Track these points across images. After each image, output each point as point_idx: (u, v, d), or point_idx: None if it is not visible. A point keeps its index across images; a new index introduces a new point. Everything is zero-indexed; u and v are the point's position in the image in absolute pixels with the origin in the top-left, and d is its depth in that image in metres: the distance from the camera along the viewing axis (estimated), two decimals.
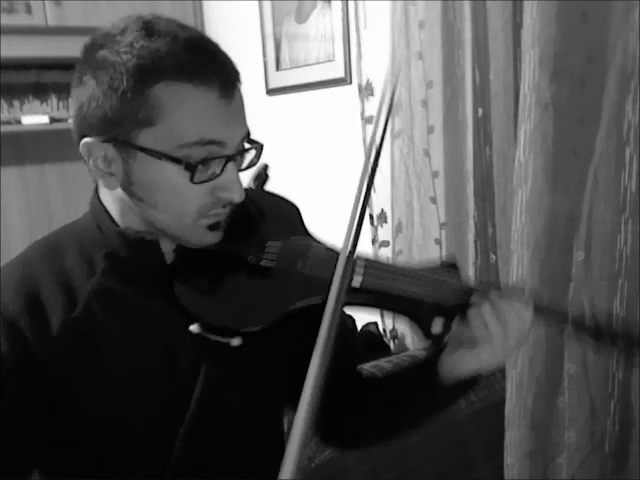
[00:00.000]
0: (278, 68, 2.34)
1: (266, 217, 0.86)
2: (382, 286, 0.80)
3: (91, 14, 2.32)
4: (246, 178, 0.86)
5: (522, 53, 1.34)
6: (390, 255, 1.92)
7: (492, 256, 1.69)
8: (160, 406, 0.80)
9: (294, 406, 0.98)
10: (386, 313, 0.84)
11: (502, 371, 1.50)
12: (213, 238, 0.78)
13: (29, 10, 2.24)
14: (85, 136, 0.73)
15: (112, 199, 0.79)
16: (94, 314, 0.77)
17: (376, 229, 2.03)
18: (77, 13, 2.31)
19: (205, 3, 2.57)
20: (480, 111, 1.64)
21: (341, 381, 0.92)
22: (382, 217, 2.01)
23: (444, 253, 1.80)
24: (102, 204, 0.81)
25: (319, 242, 0.86)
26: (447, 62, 1.68)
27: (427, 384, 0.86)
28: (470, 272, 1.77)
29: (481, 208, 1.71)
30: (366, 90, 1.99)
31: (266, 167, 0.89)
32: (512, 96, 1.53)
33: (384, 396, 0.94)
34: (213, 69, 0.71)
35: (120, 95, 0.69)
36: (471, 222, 1.73)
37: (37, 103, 2.49)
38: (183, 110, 0.70)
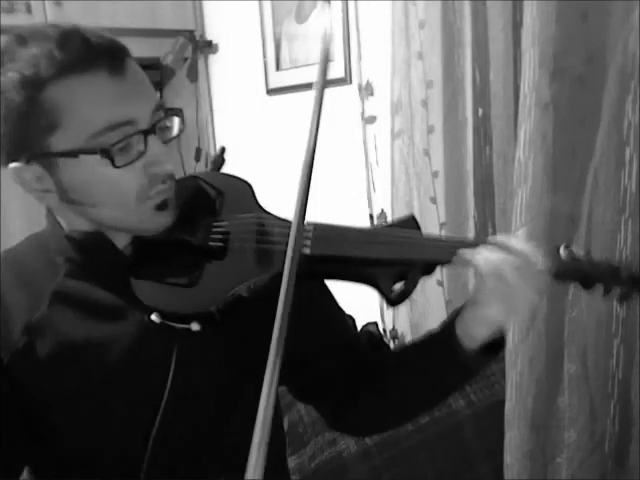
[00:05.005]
0: (278, 68, 2.34)
1: (220, 199, 0.85)
2: (334, 251, 0.78)
3: (91, 14, 2.32)
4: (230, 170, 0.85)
5: (522, 53, 1.34)
6: None
7: None
8: (133, 398, 0.80)
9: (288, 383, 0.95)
10: (346, 281, 0.81)
11: (502, 371, 1.50)
12: (165, 218, 0.78)
13: (29, 10, 2.23)
14: (7, 163, 0.74)
15: (59, 211, 0.81)
16: (58, 314, 0.79)
17: None
18: (77, 13, 2.30)
19: (205, 3, 2.57)
20: (480, 111, 1.64)
21: (341, 356, 0.90)
22: (382, 217, 2.01)
23: None
24: (54, 216, 0.83)
25: (269, 215, 0.84)
26: (447, 62, 1.68)
27: (448, 349, 0.80)
28: (470, 272, 1.77)
29: (481, 208, 1.70)
30: (366, 90, 1.99)
31: (223, 150, 0.87)
32: (512, 96, 1.53)
33: (404, 369, 0.89)
34: (91, 53, 0.70)
35: (18, 113, 0.70)
36: (471, 222, 1.73)
37: None
38: (79, 102, 0.70)
